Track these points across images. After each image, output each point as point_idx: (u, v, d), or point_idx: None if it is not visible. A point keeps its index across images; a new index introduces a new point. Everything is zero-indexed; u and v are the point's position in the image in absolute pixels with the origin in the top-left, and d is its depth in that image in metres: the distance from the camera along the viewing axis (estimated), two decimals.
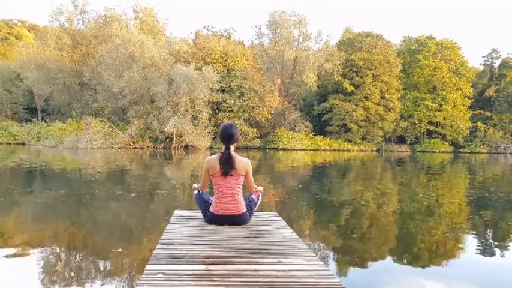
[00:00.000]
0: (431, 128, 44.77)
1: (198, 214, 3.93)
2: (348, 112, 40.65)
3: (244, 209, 3.58)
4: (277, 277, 2.26)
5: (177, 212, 4.12)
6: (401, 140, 46.41)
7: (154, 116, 33.21)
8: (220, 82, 34.27)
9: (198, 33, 43.34)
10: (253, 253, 2.72)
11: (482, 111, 47.42)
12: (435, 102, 44.07)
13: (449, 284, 3.71)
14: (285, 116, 40.69)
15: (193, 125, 33.27)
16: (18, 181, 11.02)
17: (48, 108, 42.99)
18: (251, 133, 37.29)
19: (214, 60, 36.15)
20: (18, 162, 16.47)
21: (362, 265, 4.25)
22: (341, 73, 41.03)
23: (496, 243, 5.29)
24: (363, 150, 41.09)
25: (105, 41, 36.87)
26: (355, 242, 5.16)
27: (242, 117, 36.47)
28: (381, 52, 42.10)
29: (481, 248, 5.05)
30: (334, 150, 39.96)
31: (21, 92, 42.38)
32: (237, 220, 3.55)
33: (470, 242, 5.35)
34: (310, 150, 38.55)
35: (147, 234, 5.28)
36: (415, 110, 44.24)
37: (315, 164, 21.06)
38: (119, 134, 32.09)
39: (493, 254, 4.77)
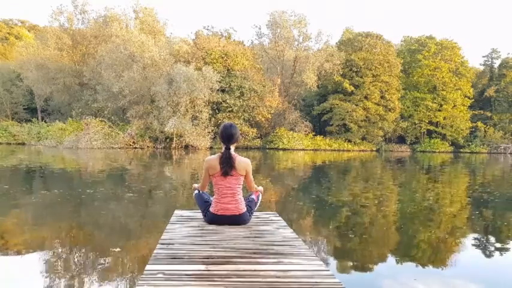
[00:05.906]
0: (431, 128, 44.77)
1: (198, 214, 3.92)
2: (348, 112, 40.65)
3: (244, 209, 3.58)
4: (277, 277, 2.26)
5: (177, 212, 4.12)
6: (401, 140, 46.40)
7: (154, 116, 33.19)
8: (220, 82, 34.25)
9: (198, 33, 43.32)
10: (254, 253, 2.72)
11: (482, 111, 47.46)
12: (435, 102, 44.08)
13: (449, 283, 3.71)
14: (285, 116, 40.69)
15: (193, 125, 33.24)
16: (19, 182, 11.01)
17: (48, 108, 42.98)
18: (251, 133, 37.29)
19: (214, 60, 36.14)
20: (17, 163, 16.46)
21: (362, 265, 4.25)
22: (341, 73, 41.04)
23: (496, 244, 5.28)
24: (363, 150, 41.08)
25: (105, 41, 36.85)
26: (355, 242, 5.15)
27: (242, 117, 36.46)
28: (381, 52, 42.10)
29: (482, 248, 5.05)
30: (334, 150, 39.94)
31: (21, 92, 42.40)
32: (237, 220, 3.55)
33: (471, 242, 5.35)
34: (310, 150, 38.53)
35: (146, 234, 5.28)
36: (415, 110, 44.24)
37: (315, 164, 21.05)
38: (119, 134, 32.07)
39: (493, 254, 4.76)
